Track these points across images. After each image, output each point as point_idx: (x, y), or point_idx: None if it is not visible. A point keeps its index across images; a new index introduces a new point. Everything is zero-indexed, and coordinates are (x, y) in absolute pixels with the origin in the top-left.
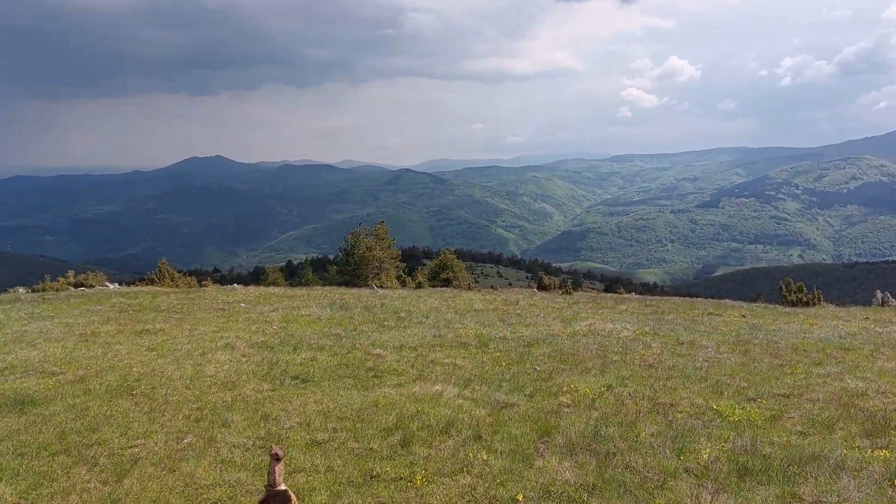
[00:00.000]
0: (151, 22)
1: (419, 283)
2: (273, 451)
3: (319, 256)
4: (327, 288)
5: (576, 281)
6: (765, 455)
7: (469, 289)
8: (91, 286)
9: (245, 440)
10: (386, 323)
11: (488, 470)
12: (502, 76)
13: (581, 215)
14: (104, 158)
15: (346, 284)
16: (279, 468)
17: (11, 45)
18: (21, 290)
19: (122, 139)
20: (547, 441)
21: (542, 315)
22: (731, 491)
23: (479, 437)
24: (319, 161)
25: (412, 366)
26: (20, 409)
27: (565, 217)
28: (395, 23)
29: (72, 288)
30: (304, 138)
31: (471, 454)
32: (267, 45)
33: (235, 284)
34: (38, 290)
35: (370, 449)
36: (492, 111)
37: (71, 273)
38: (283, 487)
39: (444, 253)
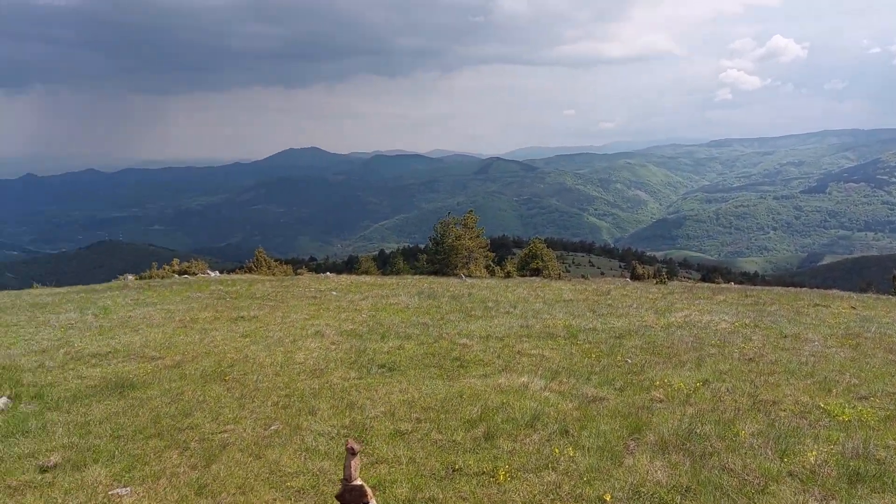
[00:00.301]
0: (251, 17)
1: (508, 273)
2: (349, 445)
3: (411, 246)
4: (416, 277)
5: (671, 270)
6: (879, 459)
7: (559, 278)
8: (193, 274)
9: (330, 428)
10: (473, 312)
11: (574, 467)
12: (594, 60)
13: (677, 202)
14: (207, 151)
15: (436, 273)
16: (355, 462)
17: (123, 44)
18: (130, 277)
19: (224, 132)
20: (637, 438)
21: (634, 305)
22: (841, 498)
23: (566, 432)
24: (410, 151)
25: (498, 356)
26: (120, 393)
27: (660, 204)
28: (486, 9)
29: (176, 275)
30: (395, 128)
31: (556, 450)
32: (359, 35)
33: (328, 273)
34: (144, 278)
35: (453, 441)
36: (583, 97)
37: (176, 261)
38: (358, 482)
39: (534, 242)
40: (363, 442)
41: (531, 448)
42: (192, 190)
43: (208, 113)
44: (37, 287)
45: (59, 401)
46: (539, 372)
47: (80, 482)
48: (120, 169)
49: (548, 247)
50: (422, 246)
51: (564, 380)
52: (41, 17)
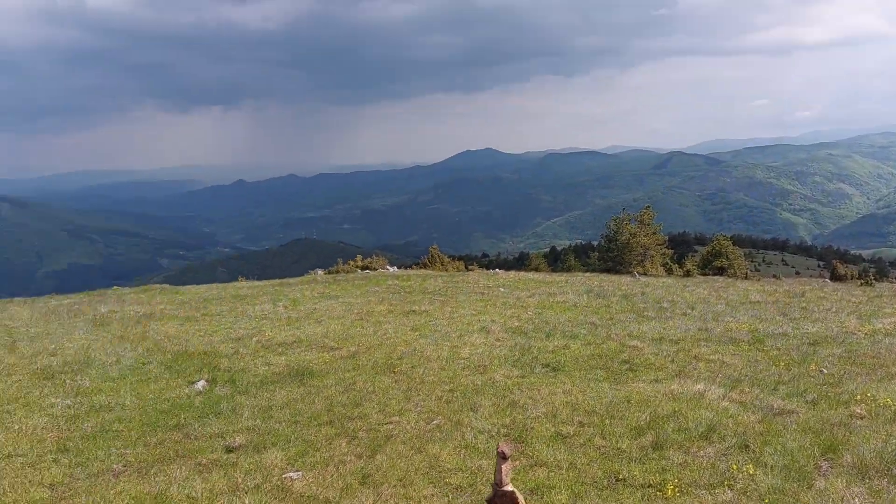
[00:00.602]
0: (432, 28)
1: (687, 272)
2: (500, 450)
3: (583, 243)
4: (587, 275)
5: (880, 270)
6: None
7: (745, 278)
8: (374, 269)
9: (490, 426)
10: (646, 313)
11: (754, 486)
12: (790, 47)
13: (888, 196)
14: (391, 155)
15: (608, 271)
16: (506, 467)
17: (321, 62)
18: (319, 272)
19: (406, 137)
20: (832, 459)
21: (833, 309)
22: None
23: (746, 446)
24: (584, 148)
25: (671, 361)
26: (300, 380)
27: (868, 198)
28: (669, 2)
29: (359, 271)
30: (570, 126)
31: (734, 466)
32: (537, 38)
33: (497, 269)
34: (331, 273)
35: (618, 449)
36: (776, 85)
37: (359, 257)
38: (509, 488)
39: (718, 239)
40: (523, 442)
41: (705, 462)
42: (377, 191)
43: (392, 121)
44: (241, 280)
45: (248, 385)
46: (717, 379)
47: (258, 464)
48: (315, 174)
49: (734, 244)
50: (594, 243)
51: (746, 389)
52: (253, 42)
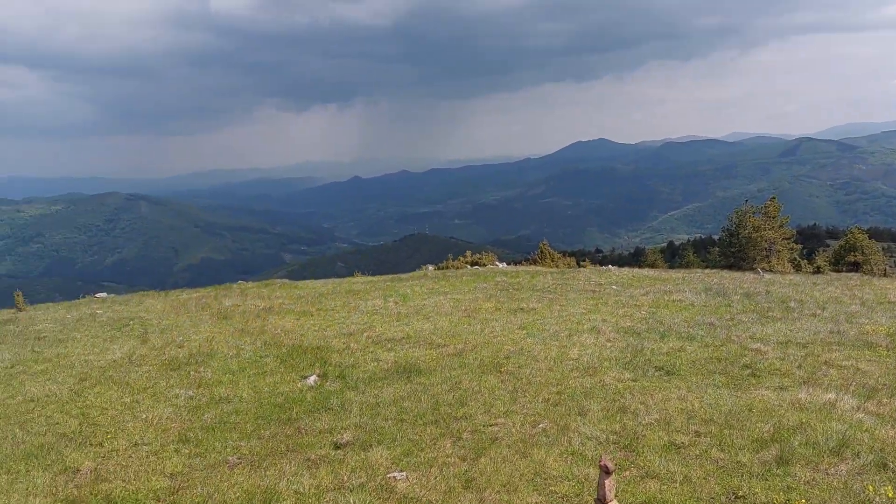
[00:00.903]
0: (543, 16)
1: (818, 268)
2: (602, 463)
3: (702, 237)
4: (706, 271)
5: None
6: None
7: (884, 275)
8: (483, 265)
9: (599, 432)
10: (770, 313)
11: None
12: None
13: None
14: (501, 148)
15: (730, 267)
16: (610, 482)
17: (430, 56)
18: (430, 267)
19: (516, 129)
20: None
21: None
22: None
23: (884, 465)
24: (703, 136)
25: (799, 366)
26: (407, 377)
27: None
28: None
29: (468, 266)
30: (687, 113)
31: (870, 487)
32: (652, 21)
33: (610, 266)
34: (441, 268)
35: (738, 462)
36: None
37: (468, 253)
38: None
39: (853, 232)
40: (633, 451)
41: (836, 481)
42: (488, 186)
43: (502, 113)
44: (356, 275)
45: (357, 381)
46: (851, 388)
47: (364, 462)
48: (427, 169)
49: (870, 237)
50: (714, 237)
51: (885, 400)
52: (364, 38)
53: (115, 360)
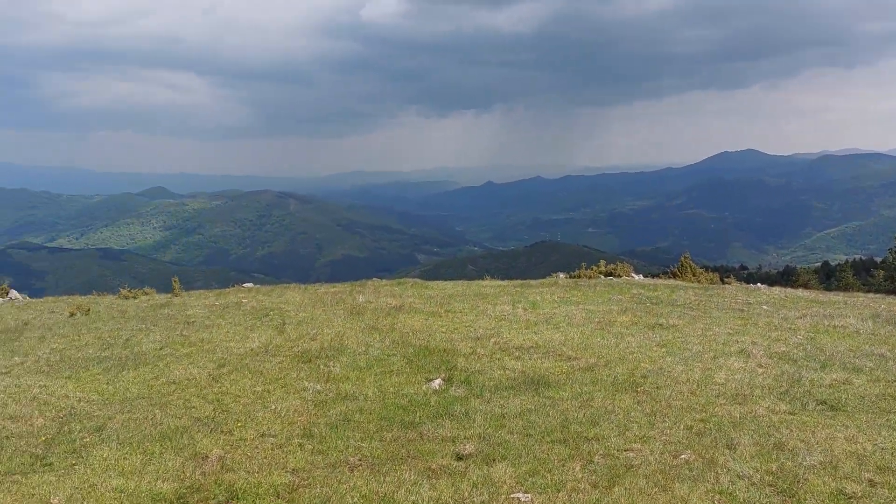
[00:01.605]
0: (689, 21)
1: None
2: None
3: (863, 258)
4: (870, 295)
5: None
6: None
7: None
8: (618, 276)
9: (751, 471)
10: None
11: None
12: None
13: None
14: (639, 157)
15: None
16: None
17: (569, 62)
18: (561, 275)
19: (656, 138)
20: None
21: None
22: None
23: None
24: (865, 149)
25: None
26: (535, 389)
27: None
28: None
29: (601, 276)
30: (851, 125)
31: None
32: (810, 26)
33: (759, 284)
34: (573, 277)
35: None
36: None
37: (602, 262)
38: None
39: None
40: (793, 497)
41: None
42: (624, 194)
43: (641, 120)
44: (486, 279)
45: (482, 389)
46: None
47: (486, 477)
48: (561, 176)
49: None
50: (877, 259)
51: None
52: (503, 46)
53: (252, 349)
